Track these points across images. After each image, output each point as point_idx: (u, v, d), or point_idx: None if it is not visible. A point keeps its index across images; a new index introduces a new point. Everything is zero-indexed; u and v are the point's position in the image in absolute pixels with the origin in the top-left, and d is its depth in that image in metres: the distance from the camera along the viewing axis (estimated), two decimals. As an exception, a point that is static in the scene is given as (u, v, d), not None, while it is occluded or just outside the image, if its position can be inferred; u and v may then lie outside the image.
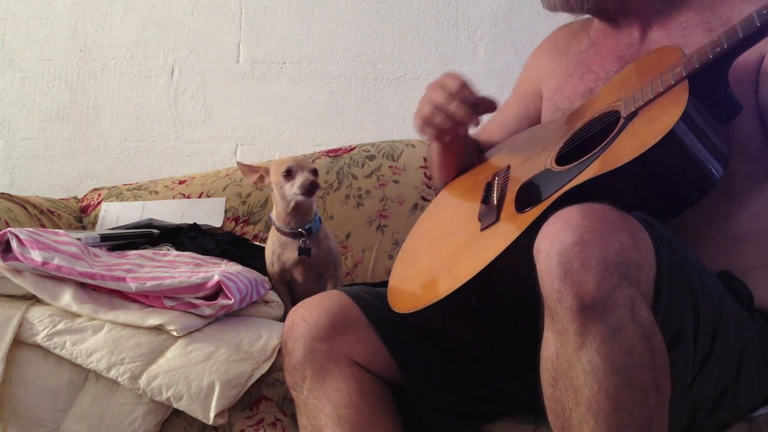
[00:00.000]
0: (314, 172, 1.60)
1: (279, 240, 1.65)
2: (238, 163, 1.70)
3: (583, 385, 0.93)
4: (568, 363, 0.94)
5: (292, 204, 1.60)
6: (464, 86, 1.30)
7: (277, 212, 1.65)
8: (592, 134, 1.22)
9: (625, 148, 1.08)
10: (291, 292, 1.68)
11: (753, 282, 1.22)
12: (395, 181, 2.04)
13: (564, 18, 1.49)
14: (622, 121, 1.16)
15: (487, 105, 1.30)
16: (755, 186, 1.24)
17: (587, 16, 1.46)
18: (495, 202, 1.26)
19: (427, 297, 1.17)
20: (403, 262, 1.37)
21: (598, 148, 1.14)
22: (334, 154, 2.08)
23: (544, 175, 1.20)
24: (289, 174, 1.59)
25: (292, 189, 1.58)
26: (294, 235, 1.63)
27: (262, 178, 1.66)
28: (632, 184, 1.06)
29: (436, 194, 1.55)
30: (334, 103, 2.32)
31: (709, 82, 1.10)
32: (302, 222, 1.62)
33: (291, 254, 1.63)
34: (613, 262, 0.93)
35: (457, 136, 1.35)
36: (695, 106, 1.07)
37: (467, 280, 1.11)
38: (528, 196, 1.19)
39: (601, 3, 1.37)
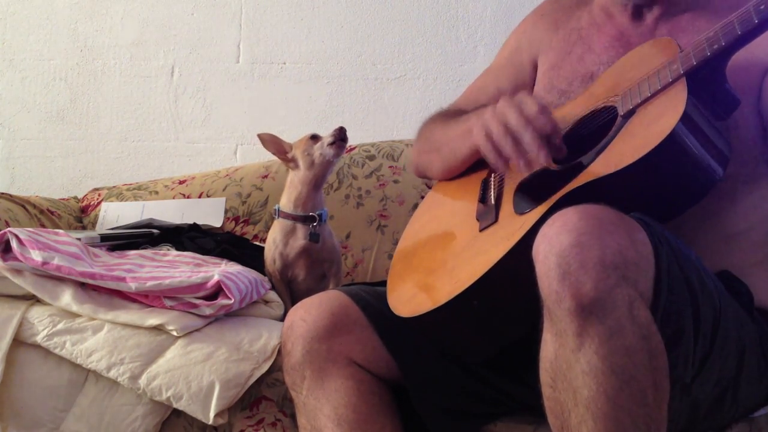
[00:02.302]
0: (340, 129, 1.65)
1: (284, 229, 1.65)
2: (260, 135, 1.70)
3: (582, 386, 0.93)
4: (567, 364, 0.94)
5: (321, 167, 1.64)
6: (544, 111, 1.12)
7: (289, 197, 1.67)
8: (591, 131, 1.21)
9: (625, 150, 1.07)
10: (291, 291, 1.68)
11: (753, 280, 1.22)
12: (395, 181, 2.04)
13: None
14: (619, 119, 1.15)
15: (559, 149, 1.14)
16: (749, 180, 1.24)
17: None
18: (492, 201, 1.25)
19: (428, 301, 1.17)
20: (401, 263, 1.36)
21: (597, 147, 1.13)
22: (334, 154, 2.08)
23: (542, 174, 1.19)
24: (315, 138, 1.66)
25: (323, 147, 1.63)
26: (305, 219, 1.64)
27: (283, 151, 1.68)
28: (633, 186, 1.06)
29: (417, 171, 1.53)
30: (334, 103, 2.33)
31: (707, 78, 1.09)
32: (315, 205, 1.66)
33: (296, 242, 1.64)
34: (611, 263, 0.93)
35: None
36: (694, 105, 1.06)
37: (469, 284, 1.10)
38: (526, 196, 1.18)
39: None
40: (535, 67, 1.48)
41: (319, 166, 1.65)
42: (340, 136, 1.63)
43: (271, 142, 1.69)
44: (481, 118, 1.18)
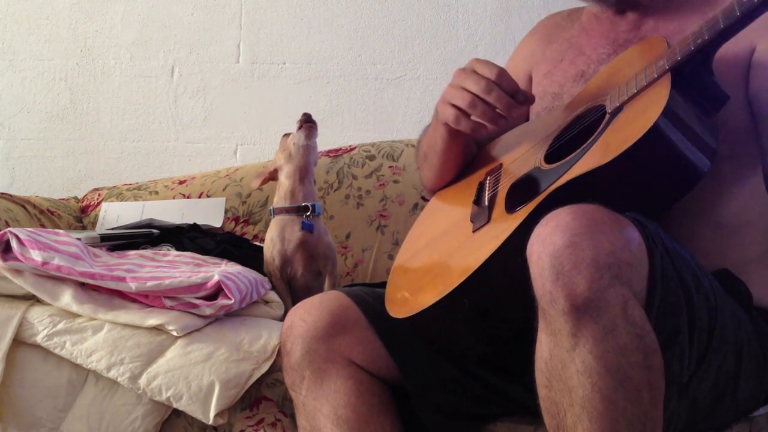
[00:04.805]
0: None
1: (280, 225, 1.67)
2: (251, 184, 1.80)
3: (577, 386, 0.93)
4: (562, 364, 0.94)
5: (299, 156, 1.68)
6: (502, 74, 1.21)
7: (279, 194, 1.70)
8: (580, 130, 1.22)
9: (609, 145, 1.08)
10: (291, 290, 1.69)
11: (751, 279, 1.22)
12: (395, 181, 2.04)
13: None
14: (607, 116, 1.15)
15: (526, 96, 1.23)
16: (741, 172, 1.24)
17: (584, 5, 1.45)
18: (486, 203, 1.25)
19: (419, 302, 1.17)
20: (400, 266, 1.37)
21: (584, 145, 1.13)
22: (334, 154, 2.08)
23: (534, 174, 1.20)
24: (287, 134, 1.73)
25: (295, 136, 1.69)
26: (297, 210, 1.67)
27: (270, 170, 1.74)
28: (619, 181, 1.06)
29: (425, 191, 1.55)
30: (334, 103, 2.33)
31: (693, 73, 1.09)
32: (306, 196, 1.68)
33: (293, 235, 1.65)
34: (605, 263, 0.93)
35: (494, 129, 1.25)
36: (678, 99, 1.06)
37: (457, 284, 1.11)
38: (518, 195, 1.18)
39: None
40: (530, 80, 1.51)
41: (297, 154, 1.69)
42: (305, 119, 1.69)
43: (259, 176, 1.76)
44: (442, 97, 1.26)
